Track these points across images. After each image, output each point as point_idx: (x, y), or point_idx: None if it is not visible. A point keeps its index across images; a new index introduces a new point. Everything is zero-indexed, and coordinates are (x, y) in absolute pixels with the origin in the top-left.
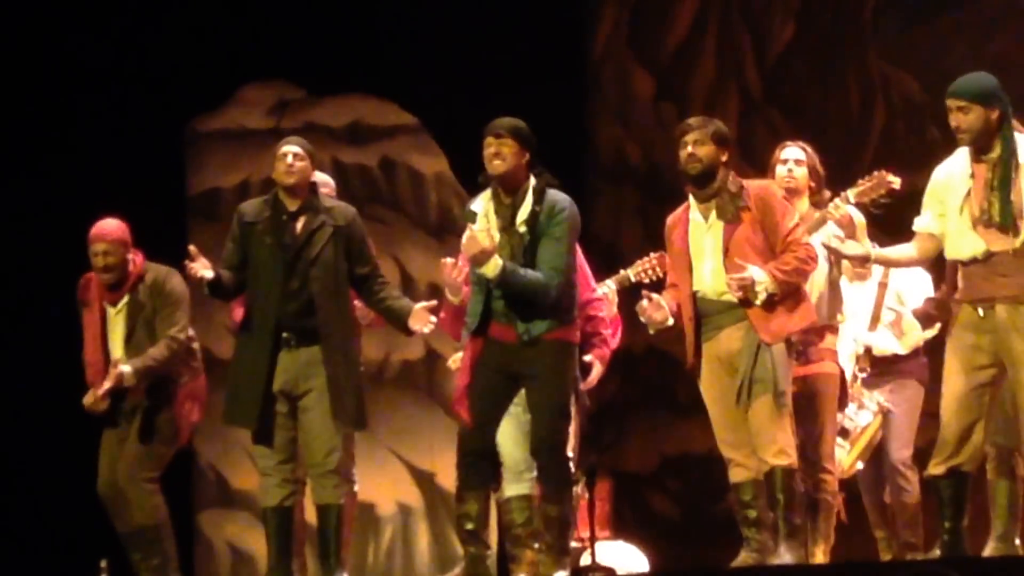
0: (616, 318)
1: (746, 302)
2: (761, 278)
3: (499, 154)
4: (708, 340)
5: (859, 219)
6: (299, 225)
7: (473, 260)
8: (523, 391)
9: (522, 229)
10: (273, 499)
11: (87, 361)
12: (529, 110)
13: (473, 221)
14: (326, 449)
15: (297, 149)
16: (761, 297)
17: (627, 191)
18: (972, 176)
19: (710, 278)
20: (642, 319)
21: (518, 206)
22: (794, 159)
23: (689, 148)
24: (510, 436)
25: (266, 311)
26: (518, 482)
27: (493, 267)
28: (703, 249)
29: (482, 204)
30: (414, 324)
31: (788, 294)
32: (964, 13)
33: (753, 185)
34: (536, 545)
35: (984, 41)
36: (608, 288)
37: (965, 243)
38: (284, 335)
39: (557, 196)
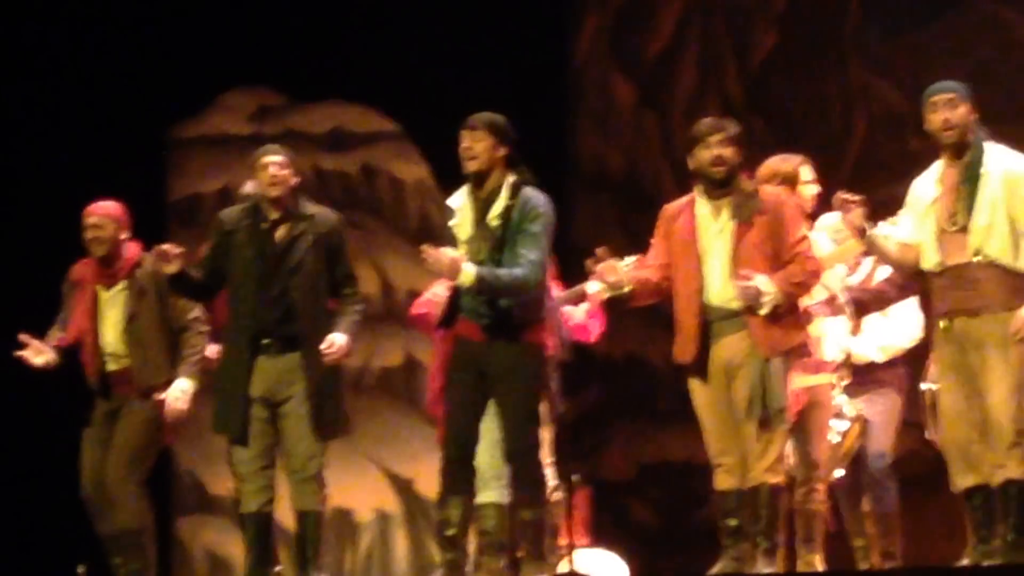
0: (598, 311)
1: (749, 311)
2: (768, 289)
3: (471, 149)
4: (710, 345)
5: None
6: (280, 232)
7: (446, 277)
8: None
9: (495, 223)
10: (252, 505)
11: (81, 341)
12: (510, 117)
13: (452, 216)
14: (307, 455)
15: (279, 158)
16: (766, 308)
17: (608, 199)
18: (939, 182)
19: (717, 284)
20: (597, 278)
21: (492, 200)
22: (814, 179)
23: (715, 150)
24: (483, 442)
25: (244, 319)
26: (487, 489)
27: (468, 277)
28: (711, 251)
29: (460, 199)
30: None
31: (788, 308)
32: (946, 24)
33: (768, 190)
34: (496, 552)
35: (966, 52)
36: (594, 288)
37: (929, 254)
38: (265, 342)
39: (532, 193)
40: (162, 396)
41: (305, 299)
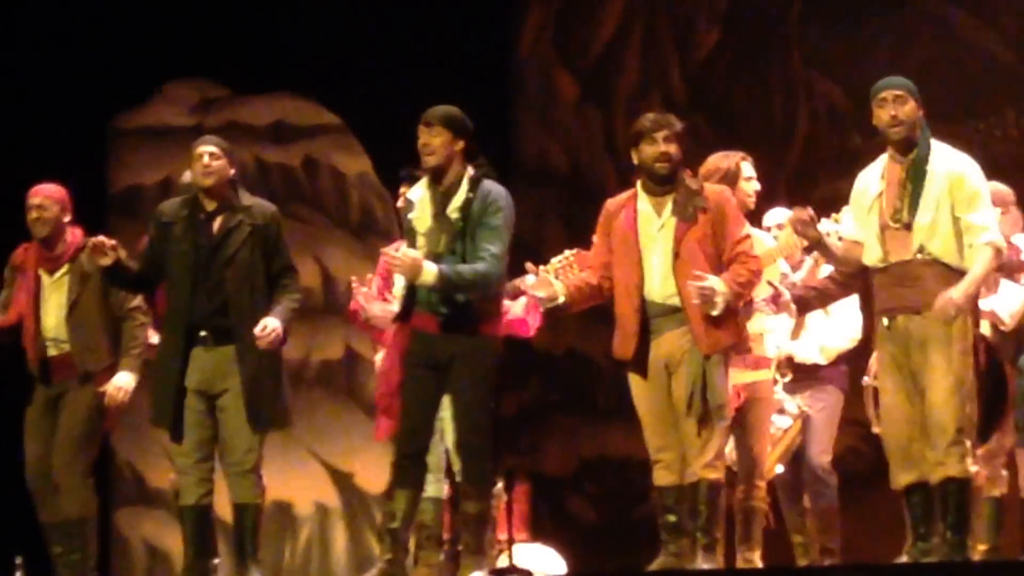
0: (535, 306)
1: (692, 308)
2: (721, 289)
3: (428, 145)
4: (650, 341)
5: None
6: (216, 224)
7: (407, 279)
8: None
9: (455, 216)
10: (190, 497)
11: (22, 325)
12: None
13: (411, 210)
14: (244, 448)
15: (213, 148)
16: (719, 309)
17: (550, 193)
18: (883, 178)
19: (657, 280)
20: (528, 293)
21: (452, 194)
22: (755, 176)
23: (661, 147)
24: None
25: (179, 311)
26: (427, 483)
27: (429, 276)
28: (652, 247)
29: (419, 192)
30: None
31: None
32: (888, 22)
33: (711, 188)
34: (434, 545)
35: (906, 49)
36: (532, 281)
37: (871, 250)
38: (201, 333)
39: (493, 187)
40: (104, 388)
41: (239, 291)
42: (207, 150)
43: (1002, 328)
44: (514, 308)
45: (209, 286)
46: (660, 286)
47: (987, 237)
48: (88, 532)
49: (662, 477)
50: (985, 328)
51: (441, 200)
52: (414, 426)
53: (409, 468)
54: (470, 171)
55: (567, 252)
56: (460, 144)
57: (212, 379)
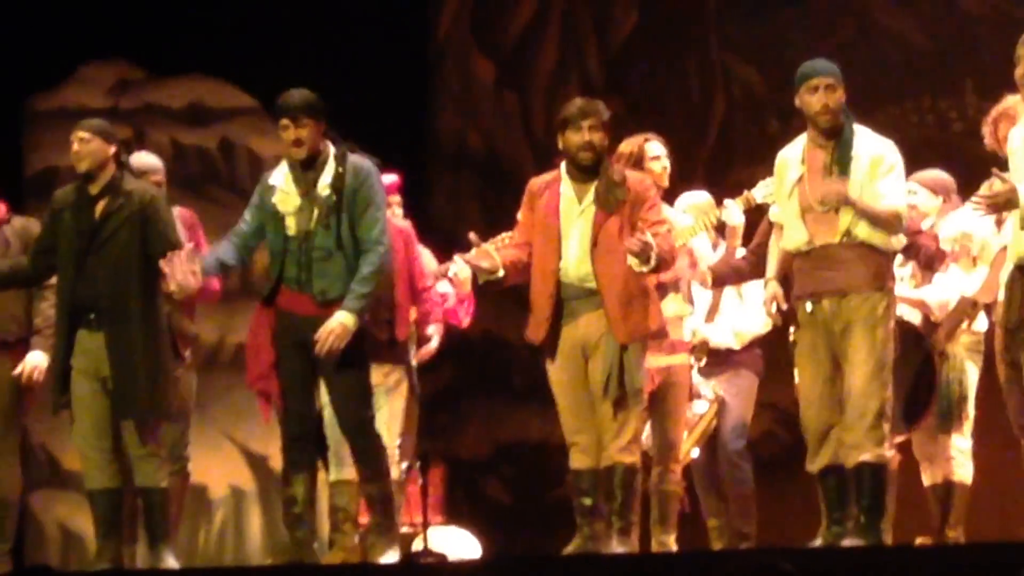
0: (469, 296)
1: (610, 294)
2: (654, 245)
3: (300, 139)
4: (565, 324)
5: (739, 221)
6: (98, 209)
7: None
8: None
9: (326, 193)
10: (95, 481)
11: None
12: (370, 94)
13: (272, 194)
14: (136, 432)
15: (83, 133)
16: (652, 264)
17: (467, 177)
18: (803, 162)
19: (574, 264)
20: (468, 265)
21: (319, 172)
22: (664, 154)
23: (586, 135)
24: (330, 421)
25: (64, 294)
26: (343, 466)
27: (351, 321)
28: (571, 231)
29: (280, 176)
30: None
31: (645, 294)
32: (805, 7)
33: (632, 177)
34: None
35: (824, 34)
36: (461, 267)
37: (793, 233)
38: (88, 316)
39: (360, 161)
40: (18, 368)
41: (110, 277)
42: (77, 135)
43: (932, 319)
44: (449, 298)
45: (89, 271)
46: (576, 268)
47: (887, 202)
48: (10, 513)
49: (578, 460)
50: (917, 317)
51: (309, 179)
52: (297, 408)
53: (300, 451)
54: (332, 148)
55: (503, 235)
56: (322, 126)
57: (97, 362)
